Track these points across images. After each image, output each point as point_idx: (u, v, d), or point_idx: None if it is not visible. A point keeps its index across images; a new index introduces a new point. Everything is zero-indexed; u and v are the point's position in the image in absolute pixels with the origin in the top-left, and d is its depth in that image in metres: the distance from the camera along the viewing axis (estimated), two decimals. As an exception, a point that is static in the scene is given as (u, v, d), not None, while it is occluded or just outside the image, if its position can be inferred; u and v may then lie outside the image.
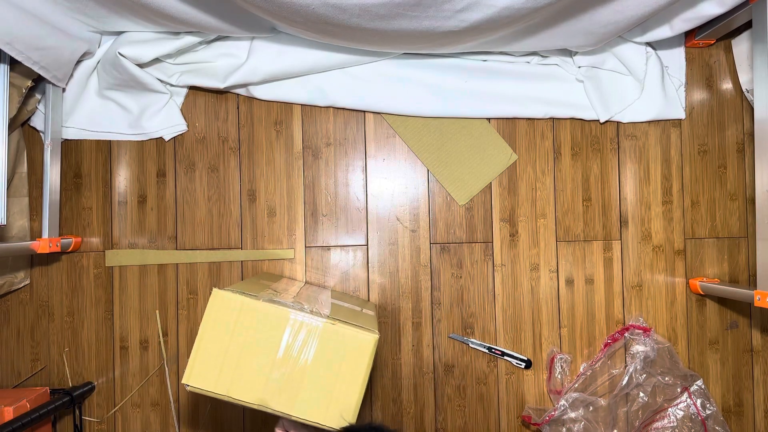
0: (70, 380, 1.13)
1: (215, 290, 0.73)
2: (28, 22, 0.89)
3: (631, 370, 1.12)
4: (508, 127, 1.17)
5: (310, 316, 0.74)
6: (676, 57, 1.16)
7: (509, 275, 1.16)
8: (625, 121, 1.16)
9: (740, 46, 1.15)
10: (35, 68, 0.94)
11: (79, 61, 1.08)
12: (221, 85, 1.08)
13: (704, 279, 1.15)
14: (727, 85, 1.18)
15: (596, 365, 1.14)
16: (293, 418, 0.73)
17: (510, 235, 1.16)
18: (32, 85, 0.99)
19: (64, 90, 1.09)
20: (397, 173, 1.16)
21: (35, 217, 1.13)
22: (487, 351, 1.14)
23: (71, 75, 1.08)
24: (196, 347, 0.71)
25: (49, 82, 1.03)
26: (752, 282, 1.17)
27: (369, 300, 1.15)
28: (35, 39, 0.91)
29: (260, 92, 1.12)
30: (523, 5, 0.78)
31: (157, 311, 1.14)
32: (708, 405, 1.11)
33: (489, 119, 1.16)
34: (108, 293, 1.14)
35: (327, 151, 1.16)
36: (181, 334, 1.13)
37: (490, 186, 1.16)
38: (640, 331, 1.14)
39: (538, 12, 0.83)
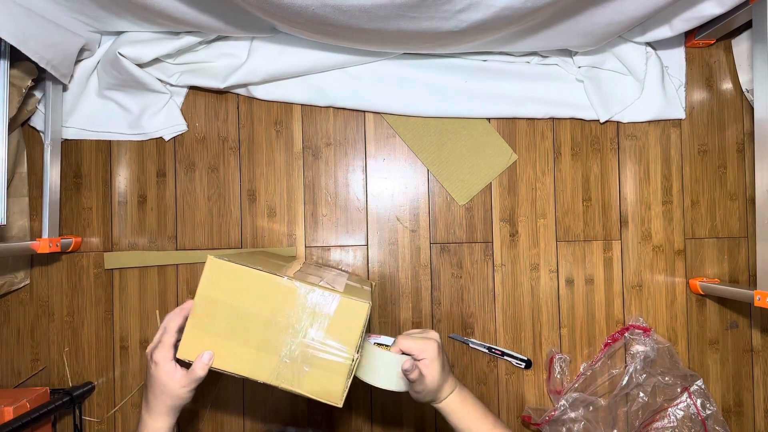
0: (70, 380, 1.13)
1: (210, 258, 0.71)
2: (36, 20, 0.90)
3: (631, 370, 1.12)
4: (508, 127, 1.17)
5: (320, 289, 0.71)
6: (676, 57, 1.16)
7: (509, 275, 1.16)
8: (625, 121, 1.16)
9: (740, 46, 1.15)
10: (48, 67, 0.93)
11: (79, 61, 1.08)
12: (221, 85, 1.08)
13: (704, 279, 1.15)
14: (727, 85, 1.18)
15: (596, 365, 1.14)
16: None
17: (510, 235, 1.16)
18: (32, 84, 0.99)
19: (65, 89, 1.09)
20: (397, 173, 1.16)
21: (35, 217, 1.13)
22: (487, 351, 1.14)
23: (72, 74, 1.09)
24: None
25: (56, 81, 1.03)
26: (752, 282, 1.17)
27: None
28: (46, 36, 0.91)
29: (260, 92, 1.12)
30: (522, 5, 0.78)
31: (158, 311, 1.14)
32: (708, 405, 1.11)
33: (489, 119, 1.16)
34: (108, 293, 1.14)
35: (327, 151, 1.16)
36: (181, 334, 1.13)
37: (490, 186, 1.16)
38: (640, 331, 1.14)
39: (538, 12, 0.83)
